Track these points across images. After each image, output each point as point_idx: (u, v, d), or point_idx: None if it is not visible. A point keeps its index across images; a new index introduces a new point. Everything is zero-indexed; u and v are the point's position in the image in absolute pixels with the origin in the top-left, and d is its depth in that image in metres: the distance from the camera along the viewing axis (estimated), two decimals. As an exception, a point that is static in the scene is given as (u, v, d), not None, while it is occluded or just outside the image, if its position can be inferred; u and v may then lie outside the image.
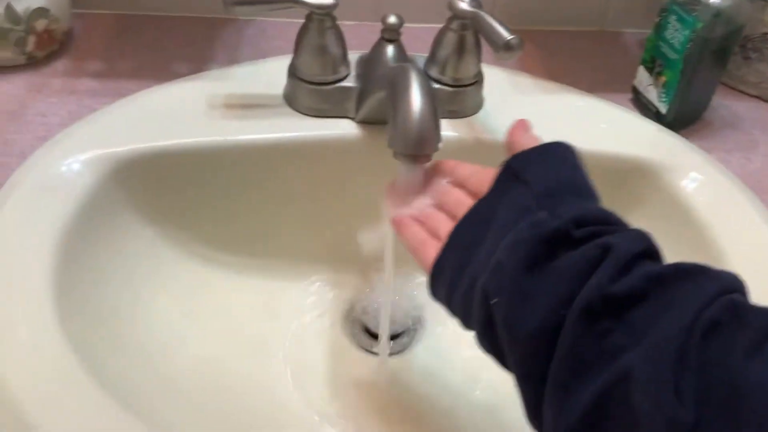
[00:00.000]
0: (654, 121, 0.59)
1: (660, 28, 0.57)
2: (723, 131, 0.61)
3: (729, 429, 0.24)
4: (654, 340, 0.27)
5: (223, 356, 0.52)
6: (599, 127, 0.57)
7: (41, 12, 0.57)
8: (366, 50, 0.54)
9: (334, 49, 0.52)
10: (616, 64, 0.67)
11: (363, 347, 0.56)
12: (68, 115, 0.54)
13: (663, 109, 0.58)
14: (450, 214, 0.39)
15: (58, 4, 0.59)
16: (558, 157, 0.37)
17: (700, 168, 0.55)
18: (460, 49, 0.52)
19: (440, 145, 0.40)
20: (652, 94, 0.59)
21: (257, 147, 0.53)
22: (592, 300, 0.28)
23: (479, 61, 0.54)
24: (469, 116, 0.56)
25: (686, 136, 0.58)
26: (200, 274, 0.55)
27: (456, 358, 0.55)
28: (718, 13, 0.52)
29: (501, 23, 0.46)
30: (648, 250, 0.31)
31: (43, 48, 0.59)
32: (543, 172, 0.35)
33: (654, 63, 0.58)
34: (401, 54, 0.52)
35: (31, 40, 0.57)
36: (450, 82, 0.54)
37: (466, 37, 0.52)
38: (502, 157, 0.54)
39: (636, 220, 0.55)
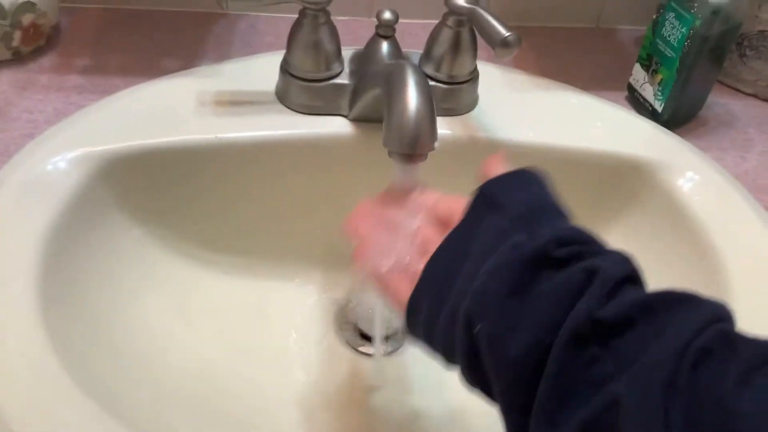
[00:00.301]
0: (649, 119, 0.59)
1: (657, 26, 0.56)
2: (718, 130, 0.60)
3: None
4: (643, 368, 0.26)
5: (212, 359, 0.51)
6: (594, 125, 0.57)
7: (28, 6, 0.56)
8: (360, 46, 0.54)
9: (328, 45, 0.51)
10: (611, 62, 0.66)
11: (355, 348, 0.55)
12: (55, 112, 0.53)
13: (659, 107, 0.58)
14: (421, 249, 0.37)
15: (45, -2, 0.57)
16: (530, 181, 0.36)
17: (696, 167, 0.54)
18: (456, 45, 0.51)
19: (436, 144, 0.39)
20: (648, 92, 0.59)
21: (248, 145, 0.52)
22: (581, 325, 0.28)
23: (475, 58, 0.53)
24: (463, 114, 0.55)
25: (682, 134, 0.58)
26: (189, 275, 0.54)
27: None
28: (716, 11, 0.52)
29: (498, 19, 0.45)
30: (632, 275, 0.30)
31: (29, 43, 0.58)
32: (517, 196, 0.34)
33: (650, 61, 0.58)
34: (396, 50, 0.51)
35: (17, 35, 0.56)
36: (445, 79, 0.53)
37: (462, 34, 0.51)
38: (498, 156, 0.55)
39: (631, 218, 0.56)
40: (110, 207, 0.50)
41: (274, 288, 0.58)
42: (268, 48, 0.62)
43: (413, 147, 0.38)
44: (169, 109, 0.53)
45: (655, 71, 0.57)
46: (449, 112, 0.55)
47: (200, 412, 0.47)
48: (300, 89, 0.53)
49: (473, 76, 0.54)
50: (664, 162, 0.54)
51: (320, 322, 0.57)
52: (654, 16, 0.57)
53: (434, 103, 0.39)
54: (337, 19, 0.52)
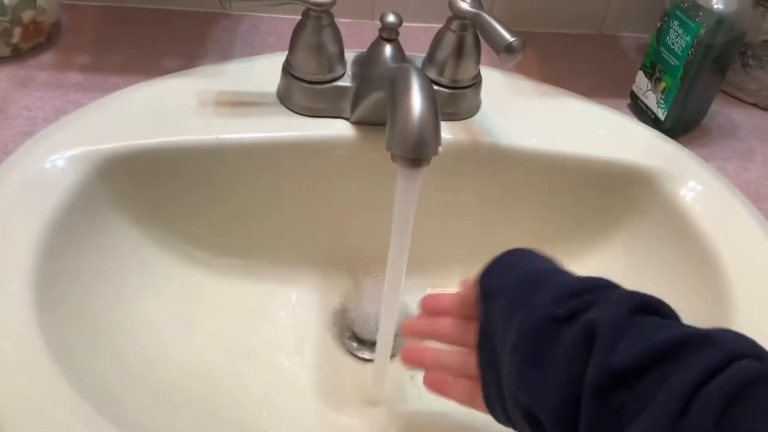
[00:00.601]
0: (652, 127, 0.58)
1: (661, 33, 0.56)
2: (721, 139, 0.60)
3: None
4: (656, 403, 0.27)
5: (209, 362, 0.51)
6: (597, 133, 0.57)
7: (28, 3, 0.55)
8: (363, 49, 0.53)
9: (331, 47, 0.51)
10: (614, 69, 0.66)
11: (353, 353, 0.55)
12: (53, 110, 0.52)
13: (662, 115, 0.58)
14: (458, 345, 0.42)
15: (45, -5, 0.57)
16: (519, 257, 0.39)
17: (698, 176, 0.54)
18: (460, 50, 0.51)
19: (440, 149, 0.39)
20: (651, 100, 0.58)
21: (249, 146, 0.52)
22: (600, 378, 0.29)
23: (478, 62, 0.53)
24: (466, 119, 0.55)
25: (684, 143, 0.58)
26: (187, 277, 0.54)
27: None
28: (720, 20, 0.52)
29: (503, 24, 0.45)
30: (637, 307, 0.31)
31: (29, 40, 0.57)
32: (510, 278, 0.37)
33: (654, 68, 0.57)
34: (399, 54, 0.51)
35: (17, 32, 0.56)
36: (448, 84, 0.53)
37: (466, 38, 0.51)
38: (499, 161, 0.55)
39: (633, 227, 0.56)
40: (109, 207, 0.49)
41: (273, 291, 0.57)
42: (271, 49, 0.61)
43: (417, 152, 0.37)
44: (169, 109, 0.52)
45: (659, 79, 0.57)
46: (451, 117, 0.54)
47: (198, 415, 0.47)
48: (302, 91, 0.52)
49: (476, 81, 0.54)
50: (666, 170, 0.54)
51: (319, 326, 0.56)
52: (658, 24, 0.56)
53: (438, 108, 0.39)
54: (341, 21, 0.51)
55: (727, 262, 0.48)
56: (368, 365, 0.54)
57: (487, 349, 0.38)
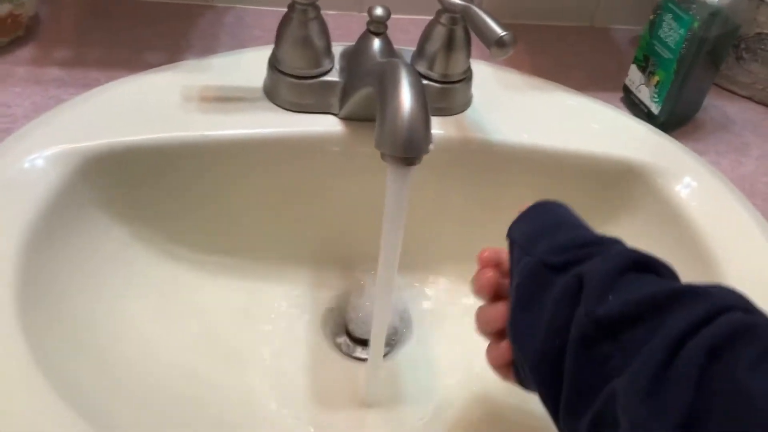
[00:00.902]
0: (645, 121, 0.58)
1: (654, 26, 0.55)
2: (715, 133, 0.60)
3: None
4: (641, 354, 0.27)
5: (198, 363, 0.50)
6: (589, 127, 0.56)
7: (5, -5, 0.54)
8: (350, 42, 0.52)
9: (318, 41, 0.49)
10: (606, 62, 0.65)
11: (346, 353, 0.54)
12: (33, 106, 0.51)
13: (655, 109, 0.57)
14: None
15: (23, -13, 0.55)
16: (545, 209, 0.39)
17: (692, 170, 0.53)
18: (450, 43, 0.50)
19: (431, 146, 0.38)
20: (644, 94, 0.58)
21: (235, 143, 0.50)
22: (583, 327, 0.29)
23: (469, 56, 0.52)
24: (457, 114, 0.54)
25: (677, 137, 0.57)
26: (174, 276, 0.53)
27: (446, 358, 0.54)
28: (714, 12, 0.51)
29: (493, 18, 0.44)
30: (635, 262, 0.31)
31: (6, 34, 0.56)
32: (527, 228, 0.38)
33: (647, 62, 0.57)
34: (388, 48, 0.50)
35: (-6, 26, 0.54)
36: (438, 78, 0.52)
37: (456, 32, 0.50)
38: (491, 157, 0.54)
39: (626, 222, 0.55)
40: (91, 207, 0.48)
41: (262, 289, 0.56)
42: (256, 42, 0.60)
43: (408, 151, 0.36)
44: (152, 105, 0.51)
45: (652, 73, 0.56)
46: (442, 112, 0.53)
47: (185, 417, 0.46)
48: (289, 86, 0.51)
49: (467, 75, 0.53)
50: (660, 165, 0.53)
51: (310, 325, 0.55)
52: (651, 17, 0.56)
53: (429, 104, 0.38)
54: (327, 14, 0.50)
55: (722, 257, 0.48)
56: (361, 364, 0.53)
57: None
